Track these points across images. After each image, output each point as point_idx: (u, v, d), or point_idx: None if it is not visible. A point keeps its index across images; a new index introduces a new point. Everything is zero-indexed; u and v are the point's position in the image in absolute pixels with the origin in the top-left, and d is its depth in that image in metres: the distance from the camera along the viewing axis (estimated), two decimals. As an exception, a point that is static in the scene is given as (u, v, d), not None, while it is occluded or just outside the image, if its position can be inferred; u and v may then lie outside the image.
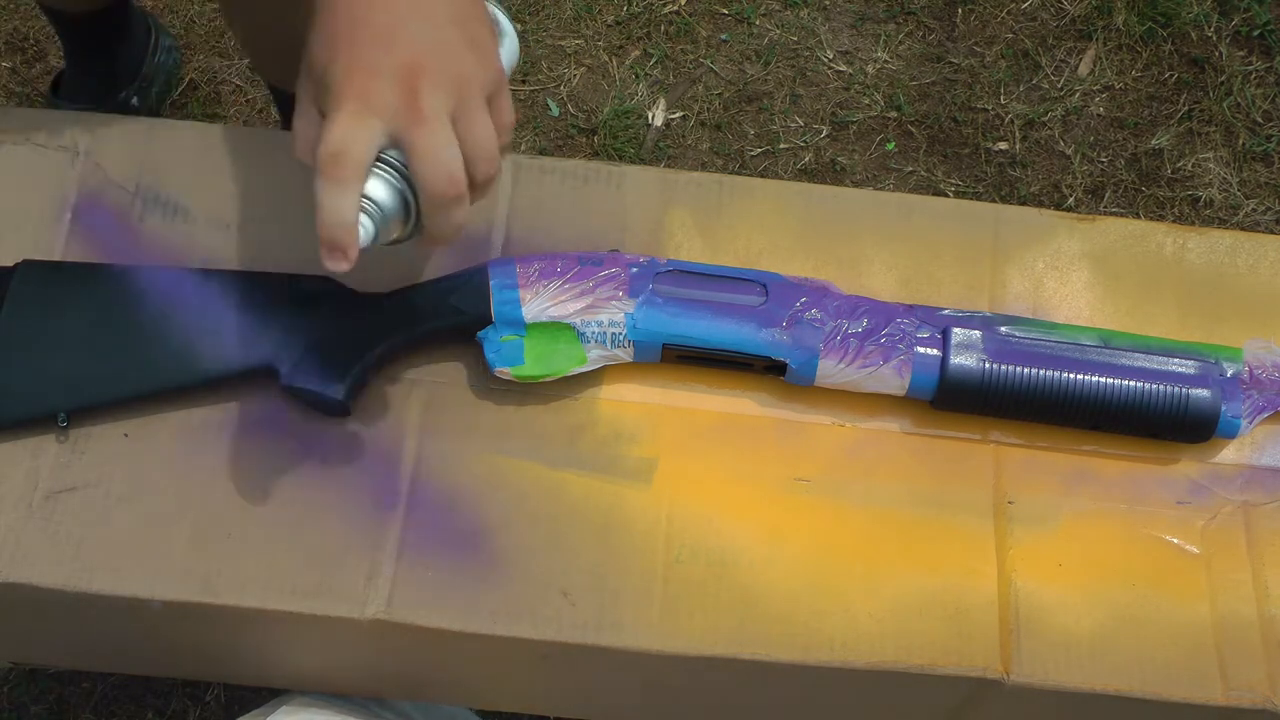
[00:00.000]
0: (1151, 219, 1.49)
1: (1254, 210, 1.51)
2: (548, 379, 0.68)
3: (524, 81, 1.54)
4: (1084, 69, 1.59)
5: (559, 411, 0.70)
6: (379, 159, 0.54)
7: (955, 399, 0.69)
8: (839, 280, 0.73)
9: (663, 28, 1.58)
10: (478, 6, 0.57)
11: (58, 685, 1.22)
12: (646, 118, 1.53)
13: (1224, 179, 1.52)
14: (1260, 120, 1.56)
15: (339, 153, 0.52)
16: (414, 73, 0.53)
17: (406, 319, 0.68)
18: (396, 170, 0.54)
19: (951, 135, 1.54)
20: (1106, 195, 1.51)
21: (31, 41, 1.53)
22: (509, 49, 0.62)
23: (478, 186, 0.56)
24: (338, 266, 0.53)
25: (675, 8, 1.60)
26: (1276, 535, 0.70)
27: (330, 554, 0.65)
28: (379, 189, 0.54)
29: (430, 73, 0.53)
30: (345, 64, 0.53)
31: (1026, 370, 0.68)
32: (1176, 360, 0.69)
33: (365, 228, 0.53)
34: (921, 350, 0.69)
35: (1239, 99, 1.56)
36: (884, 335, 0.69)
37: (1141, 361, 0.69)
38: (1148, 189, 1.52)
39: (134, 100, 1.42)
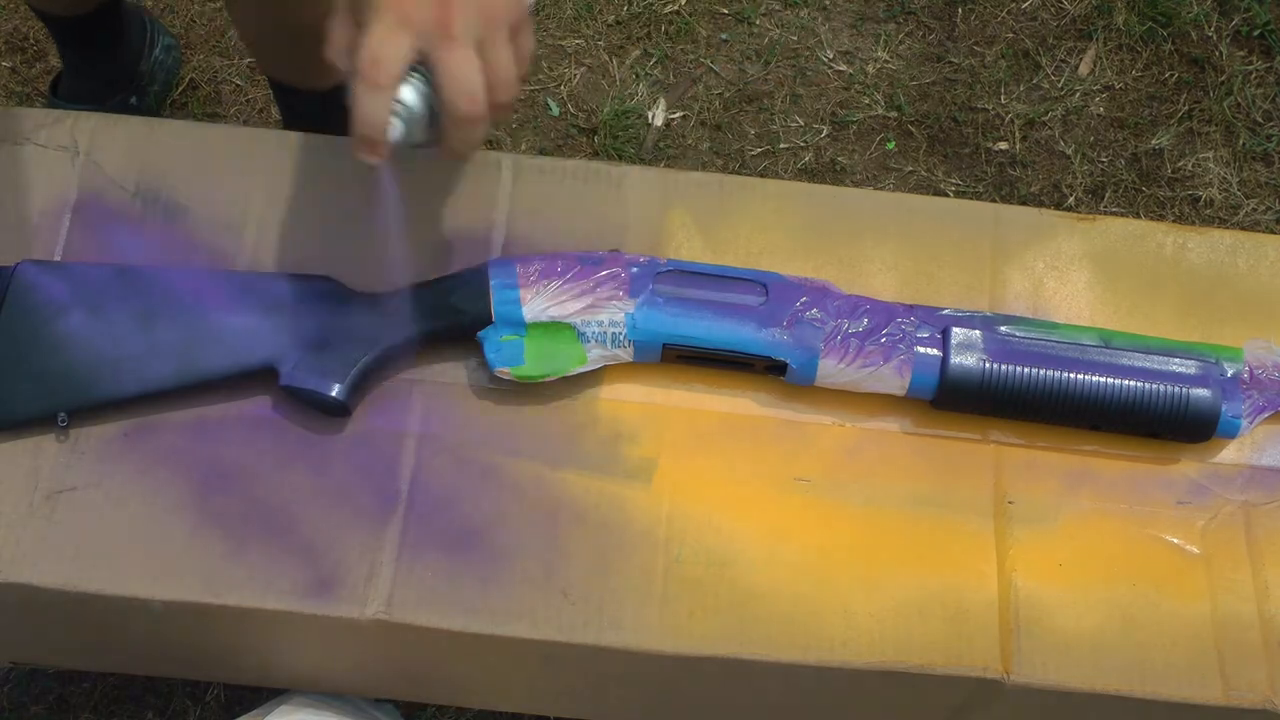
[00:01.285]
0: (1151, 219, 1.49)
1: (1254, 210, 1.51)
2: (548, 379, 0.68)
3: (524, 81, 1.54)
4: (1084, 69, 1.59)
5: (559, 411, 0.70)
6: (410, 70, 0.58)
7: (955, 399, 0.69)
8: (839, 280, 0.73)
9: (663, 28, 1.58)
10: None
11: (58, 685, 1.21)
12: (646, 118, 1.53)
13: (1224, 179, 1.52)
14: (1260, 120, 1.56)
15: (377, 59, 0.57)
16: None
17: (406, 319, 0.68)
18: (426, 81, 0.59)
19: (951, 135, 1.54)
20: (1106, 195, 1.51)
21: (31, 41, 1.53)
22: None
23: (496, 108, 0.60)
24: (370, 159, 0.59)
25: (675, 8, 1.60)
26: (1276, 535, 0.70)
27: (330, 554, 0.65)
28: (410, 94, 0.58)
29: (462, 0, 0.58)
30: None
31: (1026, 370, 0.68)
32: (1177, 360, 0.69)
33: (396, 127, 0.58)
34: (922, 350, 0.69)
35: (1239, 99, 1.56)
36: (884, 335, 0.69)
37: (1142, 361, 0.69)
38: (1148, 189, 1.52)
39: (134, 100, 1.41)
